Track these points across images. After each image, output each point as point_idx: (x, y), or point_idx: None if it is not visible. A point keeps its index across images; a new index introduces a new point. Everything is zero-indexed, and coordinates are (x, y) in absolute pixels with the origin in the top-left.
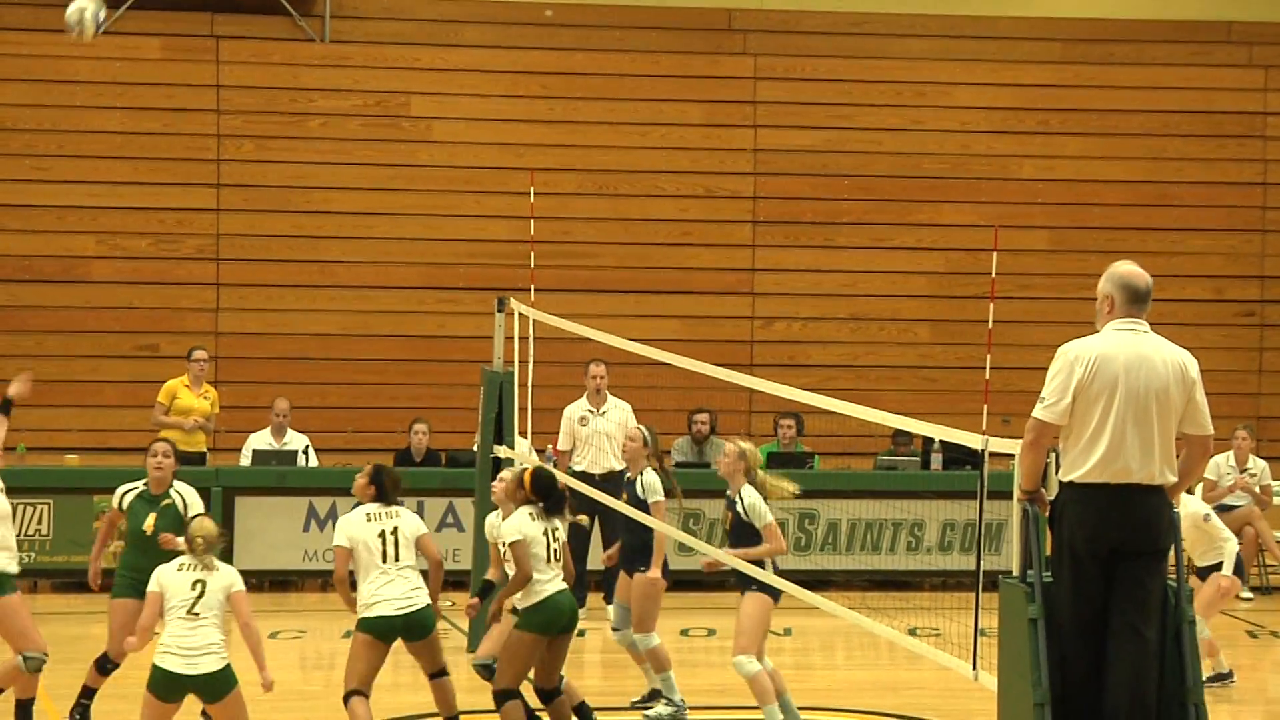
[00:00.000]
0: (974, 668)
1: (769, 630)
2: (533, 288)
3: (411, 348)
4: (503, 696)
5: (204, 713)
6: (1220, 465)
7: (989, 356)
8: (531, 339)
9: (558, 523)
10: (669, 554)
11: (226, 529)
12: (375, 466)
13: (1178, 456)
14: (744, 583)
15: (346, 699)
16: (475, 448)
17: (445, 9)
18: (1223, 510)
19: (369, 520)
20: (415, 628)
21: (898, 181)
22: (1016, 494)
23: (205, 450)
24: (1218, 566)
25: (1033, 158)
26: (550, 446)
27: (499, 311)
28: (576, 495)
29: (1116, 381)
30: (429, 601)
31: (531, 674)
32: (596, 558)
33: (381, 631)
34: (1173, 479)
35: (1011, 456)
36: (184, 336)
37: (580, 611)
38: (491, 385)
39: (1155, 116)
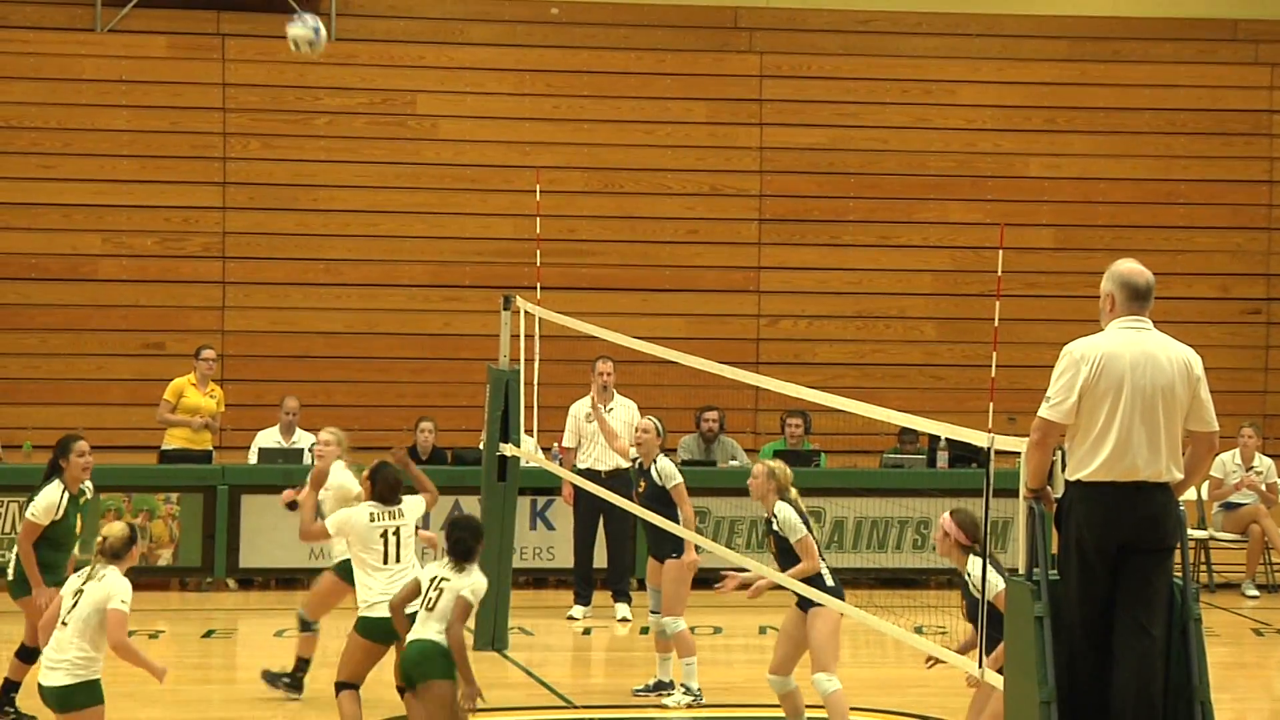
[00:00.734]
0: (980, 665)
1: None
2: (539, 286)
3: (417, 346)
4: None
5: None
6: (1226, 463)
7: (995, 354)
8: (537, 337)
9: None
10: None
11: (232, 528)
12: (375, 464)
13: (1183, 453)
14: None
15: (337, 690)
16: (481, 446)
17: (451, 7)
18: (1229, 508)
19: (371, 520)
20: None
21: (904, 179)
22: (1022, 492)
23: (211, 448)
24: None
25: (1039, 156)
26: (556, 444)
27: (505, 309)
28: (583, 493)
29: (1123, 380)
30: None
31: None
32: (602, 557)
33: (378, 634)
34: (1179, 476)
35: (1017, 454)
36: (190, 335)
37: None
38: (497, 383)
39: (1161, 114)
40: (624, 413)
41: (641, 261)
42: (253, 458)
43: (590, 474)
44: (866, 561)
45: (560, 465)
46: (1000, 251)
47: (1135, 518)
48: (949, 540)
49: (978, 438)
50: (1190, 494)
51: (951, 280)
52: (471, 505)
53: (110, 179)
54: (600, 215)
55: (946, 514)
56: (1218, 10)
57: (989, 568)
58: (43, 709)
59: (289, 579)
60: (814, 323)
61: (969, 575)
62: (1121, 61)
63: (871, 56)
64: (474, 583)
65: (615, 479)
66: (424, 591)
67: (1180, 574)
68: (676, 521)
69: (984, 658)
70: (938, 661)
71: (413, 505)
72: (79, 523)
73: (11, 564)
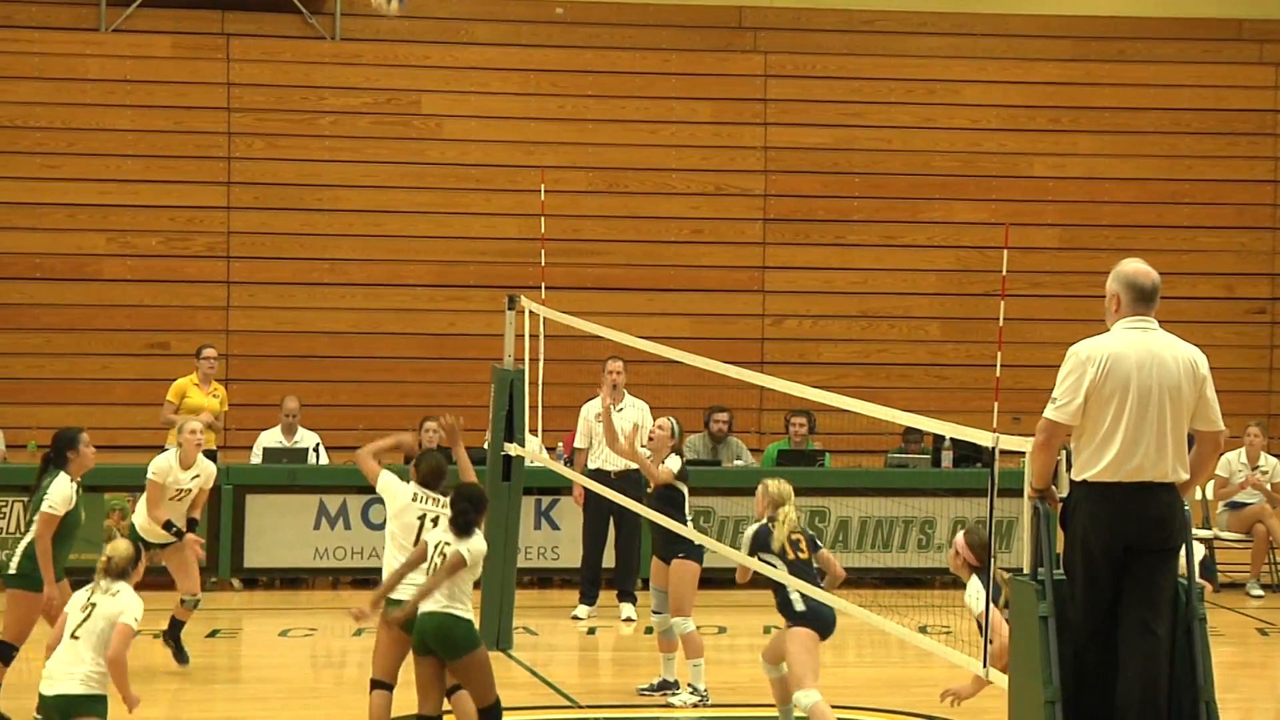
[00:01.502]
0: (985, 665)
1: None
2: (543, 285)
3: (422, 345)
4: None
5: None
6: (1232, 462)
7: (1000, 354)
8: (542, 337)
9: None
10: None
11: (236, 528)
12: (421, 450)
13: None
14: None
15: (371, 687)
16: (486, 446)
17: (456, 7)
18: (1234, 507)
19: (413, 500)
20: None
21: (908, 179)
22: (1027, 492)
23: (215, 448)
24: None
25: (1043, 155)
26: (561, 444)
27: (509, 309)
28: (594, 494)
29: (1128, 380)
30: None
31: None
32: (610, 557)
33: (405, 623)
34: (1185, 476)
35: (1022, 454)
36: (194, 334)
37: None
38: (502, 383)
39: (1166, 114)
40: (634, 413)
41: (646, 261)
42: (256, 457)
43: (600, 475)
44: (871, 561)
45: (571, 466)
46: (1005, 251)
47: (1142, 518)
48: (959, 559)
49: (982, 437)
50: (1195, 493)
51: (956, 280)
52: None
53: (115, 179)
54: (605, 215)
55: (960, 533)
56: (1222, 10)
57: (978, 582)
58: (19, 711)
59: (293, 579)
60: (819, 322)
61: (967, 596)
62: (1126, 61)
63: (876, 56)
64: (473, 544)
65: (625, 480)
66: (429, 558)
67: (1185, 574)
68: (684, 522)
69: (987, 656)
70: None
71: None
72: (82, 514)
73: (16, 559)
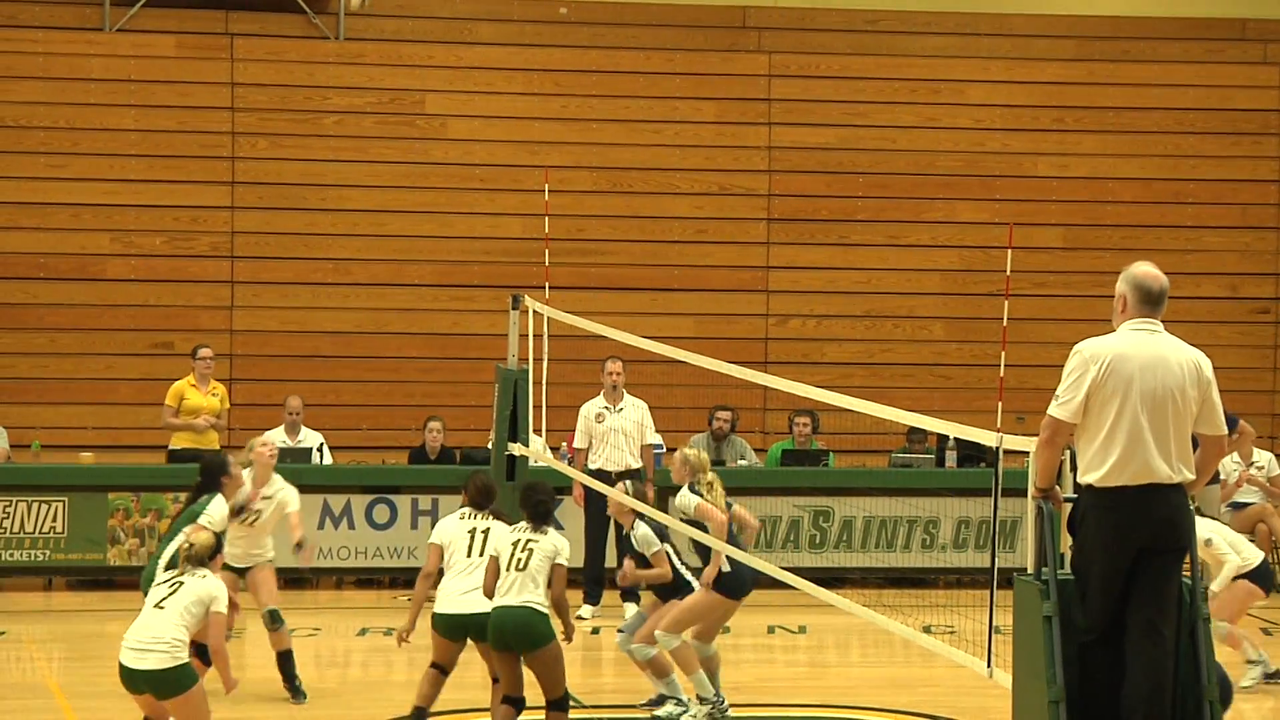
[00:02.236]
0: (989, 665)
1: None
2: (547, 285)
3: (426, 345)
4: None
5: None
6: (1226, 462)
7: (1003, 354)
8: (546, 336)
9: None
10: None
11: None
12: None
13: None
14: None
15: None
16: (490, 445)
17: (460, 7)
18: (1235, 507)
19: (461, 519)
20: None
21: (912, 179)
22: (1031, 491)
23: (219, 448)
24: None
25: (1047, 155)
26: (565, 444)
27: (514, 309)
28: (594, 494)
29: (1131, 381)
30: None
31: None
32: (613, 557)
33: (445, 629)
34: (1191, 476)
35: (1026, 454)
36: (198, 334)
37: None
38: (506, 383)
39: (1170, 114)
40: (634, 412)
41: (650, 261)
42: None
43: (601, 475)
44: (875, 561)
45: (571, 466)
46: (1009, 251)
47: (1153, 521)
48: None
49: (986, 437)
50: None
51: (960, 280)
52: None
53: (119, 178)
54: (609, 215)
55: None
56: (1226, 10)
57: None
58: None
59: (296, 579)
60: (822, 322)
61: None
62: (1130, 61)
63: (880, 56)
64: (560, 546)
65: (626, 479)
66: (512, 553)
67: (1189, 573)
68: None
69: (991, 656)
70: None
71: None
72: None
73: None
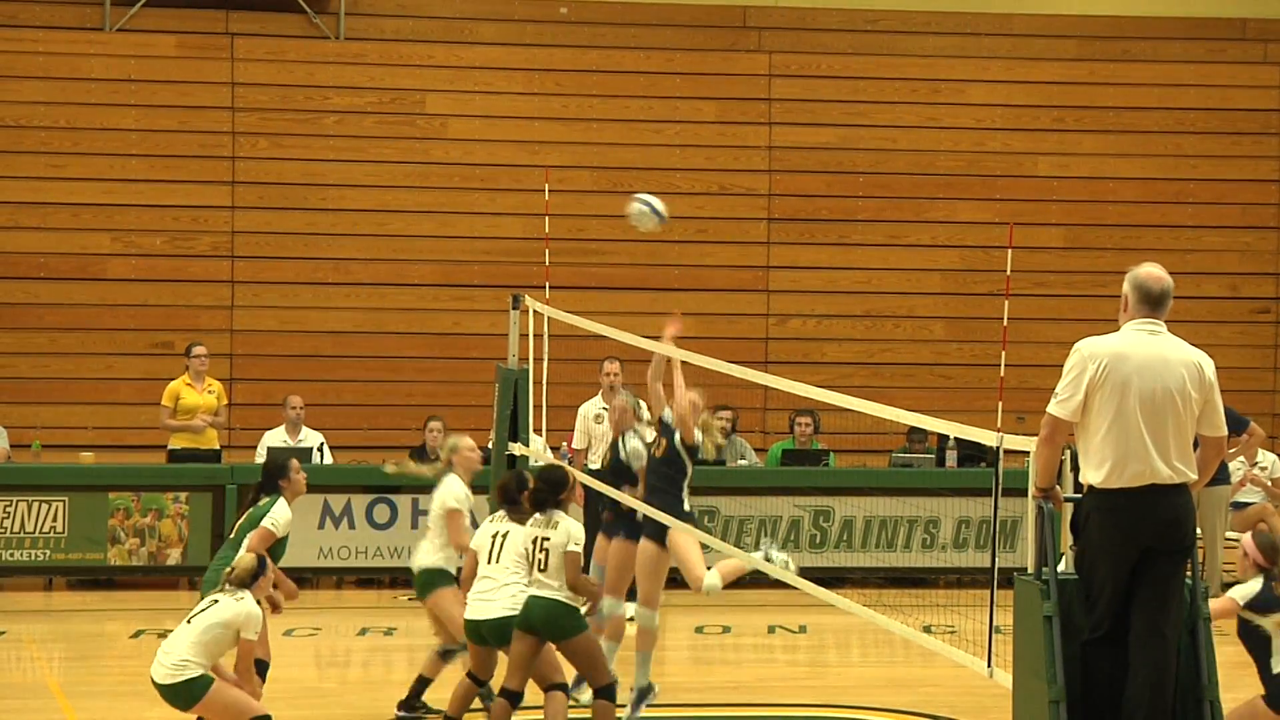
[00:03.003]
0: (989, 665)
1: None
2: (547, 285)
3: (426, 345)
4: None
5: None
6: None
7: (1004, 354)
8: (546, 336)
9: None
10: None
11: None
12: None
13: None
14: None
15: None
16: (490, 445)
17: (460, 6)
18: (1237, 507)
19: (490, 522)
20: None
21: (913, 179)
22: (1031, 491)
23: (219, 447)
24: None
25: (1048, 155)
26: (565, 444)
27: (514, 309)
28: (594, 494)
29: (1129, 381)
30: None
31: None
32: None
33: (474, 636)
34: (1193, 476)
35: (1026, 454)
36: (199, 334)
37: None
38: (506, 382)
39: (1170, 114)
40: None
41: (650, 261)
42: (260, 457)
43: (600, 475)
44: (875, 561)
45: (570, 465)
46: (1009, 251)
47: (1157, 522)
48: (1247, 560)
49: (986, 437)
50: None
51: (960, 279)
52: (480, 505)
53: (119, 178)
54: (609, 214)
55: (1248, 534)
56: (1226, 9)
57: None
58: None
59: (297, 578)
60: (823, 322)
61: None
62: (1130, 61)
63: (880, 56)
64: (572, 533)
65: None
66: (530, 555)
67: (1190, 573)
68: (679, 501)
69: (991, 656)
70: None
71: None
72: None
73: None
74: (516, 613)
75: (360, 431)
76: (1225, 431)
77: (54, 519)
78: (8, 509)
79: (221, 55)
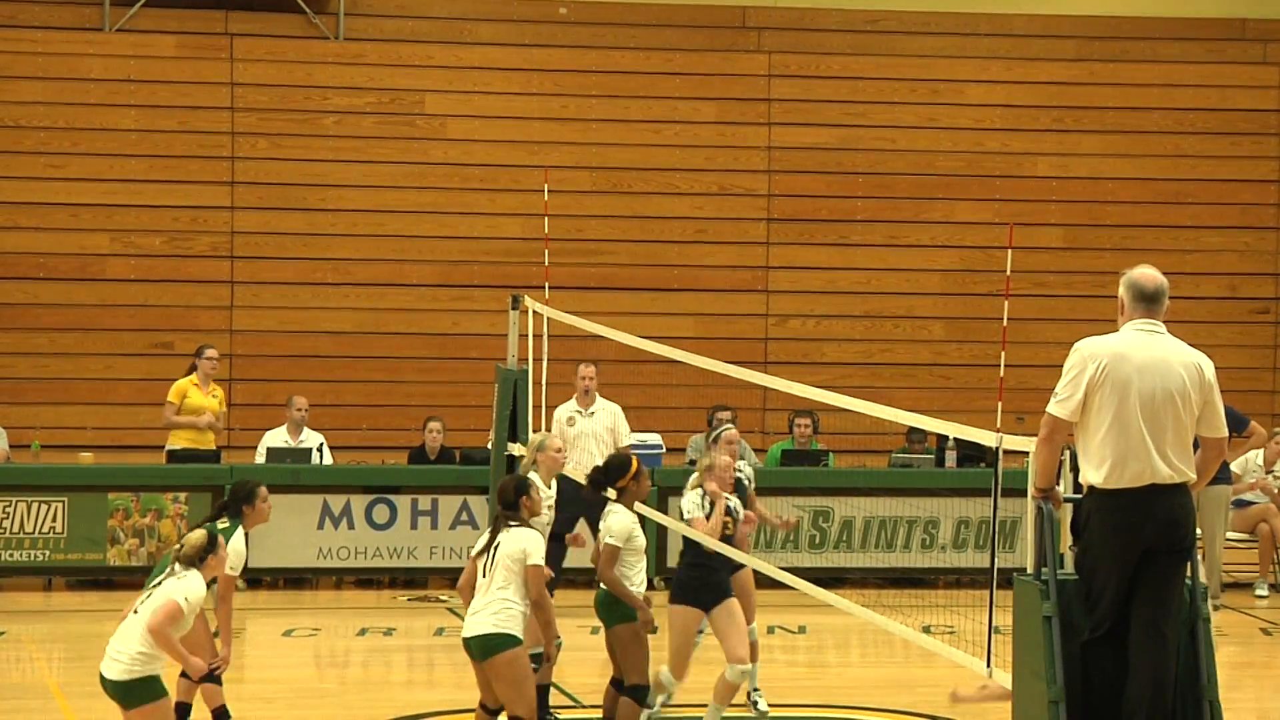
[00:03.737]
0: (989, 665)
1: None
2: (547, 285)
3: (425, 345)
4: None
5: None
6: (1249, 461)
7: (1003, 354)
8: (545, 336)
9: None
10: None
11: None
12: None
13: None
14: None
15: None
16: (490, 445)
17: (459, 7)
18: (1239, 506)
19: (489, 533)
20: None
21: (912, 179)
22: (1031, 491)
23: (218, 448)
24: None
25: (1047, 155)
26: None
27: (513, 309)
28: (564, 499)
29: (1129, 381)
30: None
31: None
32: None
33: (470, 653)
34: (1193, 477)
35: (1026, 454)
36: (198, 334)
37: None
38: (506, 383)
39: (1170, 114)
40: (605, 417)
41: (649, 261)
42: (260, 457)
43: (570, 480)
44: (874, 561)
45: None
46: (1009, 251)
47: (1158, 522)
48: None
49: (986, 437)
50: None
51: (960, 280)
52: (480, 505)
53: (118, 178)
54: (608, 215)
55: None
56: (1226, 10)
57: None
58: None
59: (297, 579)
60: (822, 322)
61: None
62: (1130, 61)
63: (880, 56)
64: (611, 525)
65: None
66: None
67: (1190, 574)
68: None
69: (991, 656)
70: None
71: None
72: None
73: None
74: (501, 631)
75: (360, 431)
76: (1225, 433)
77: (53, 519)
78: (7, 509)
79: (221, 55)
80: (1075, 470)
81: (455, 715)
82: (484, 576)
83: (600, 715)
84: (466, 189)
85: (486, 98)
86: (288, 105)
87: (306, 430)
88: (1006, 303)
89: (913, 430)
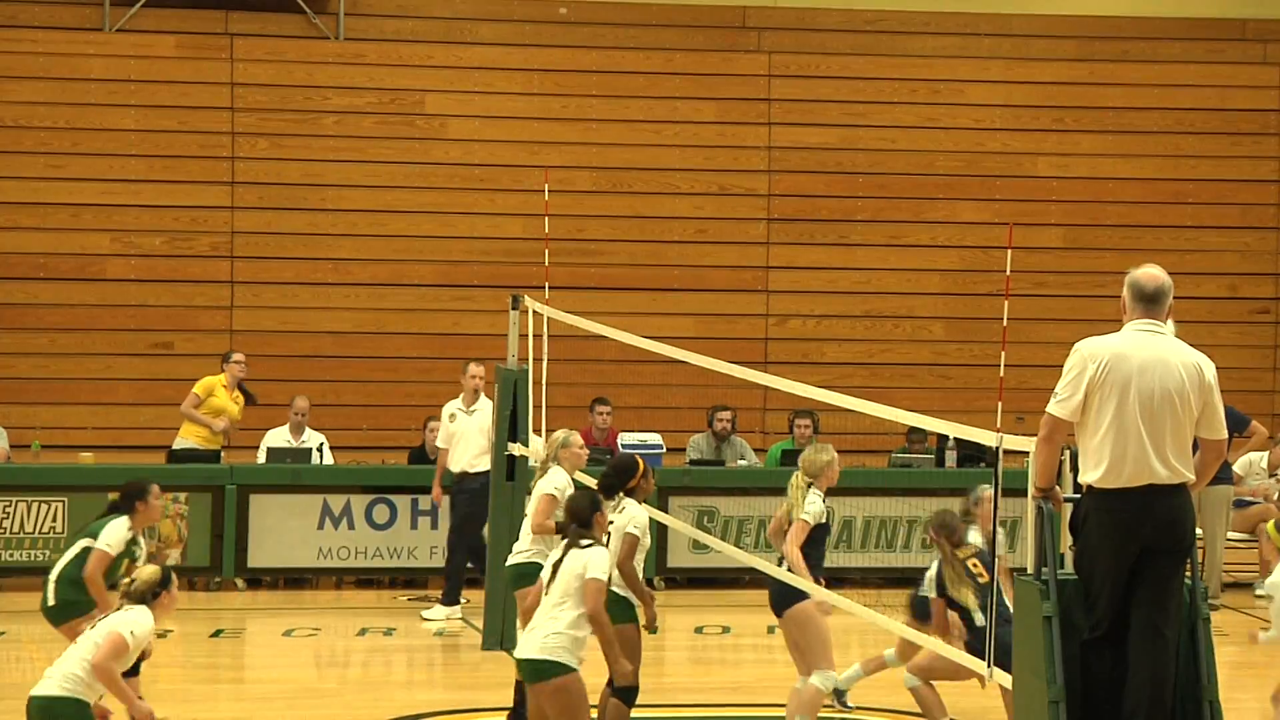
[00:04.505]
0: (989, 665)
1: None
2: (547, 285)
3: (426, 345)
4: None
5: None
6: (1253, 463)
7: (1003, 354)
8: (546, 336)
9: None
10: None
11: (240, 528)
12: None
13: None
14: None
15: None
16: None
17: (459, 6)
18: (1239, 506)
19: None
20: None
21: (912, 179)
22: (1031, 491)
23: (219, 448)
24: None
25: (1047, 155)
26: None
27: (513, 309)
28: (458, 494)
29: (1129, 381)
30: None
31: None
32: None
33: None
34: (1191, 477)
35: (1026, 454)
36: (198, 335)
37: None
38: (506, 383)
39: (1170, 114)
40: (486, 416)
41: (650, 261)
42: (261, 457)
43: (463, 476)
44: (875, 561)
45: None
46: (1009, 251)
47: (1156, 522)
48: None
49: (986, 437)
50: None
51: (960, 280)
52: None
53: (118, 178)
54: (609, 215)
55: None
56: (1226, 10)
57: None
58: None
59: (297, 579)
60: (822, 322)
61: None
62: (1130, 61)
63: (880, 56)
64: (634, 517)
65: (471, 480)
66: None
67: (1190, 574)
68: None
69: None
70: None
71: None
72: (123, 566)
73: (52, 591)
74: (549, 658)
75: (360, 432)
76: (1225, 434)
77: (54, 519)
78: (7, 509)
79: (221, 55)
80: (1075, 470)
81: (455, 715)
82: (545, 594)
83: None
84: (467, 189)
85: (487, 98)
86: (288, 105)
87: (307, 430)
88: (1006, 303)
89: (913, 430)
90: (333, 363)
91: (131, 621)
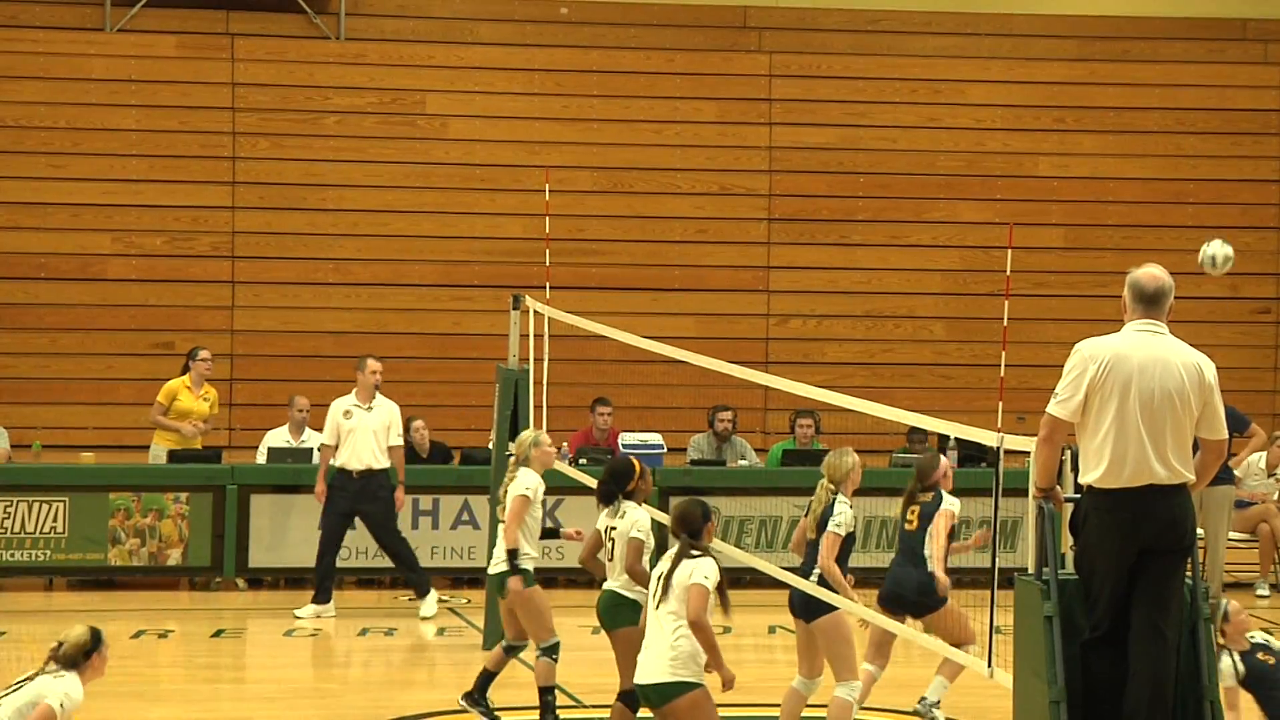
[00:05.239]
0: (989, 665)
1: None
2: (548, 285)
3: (426, 345)
4: None
5: None
6: (1252, 464)
7: (1004, 354)
8: (546, 336)
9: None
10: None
11: (241, 527)
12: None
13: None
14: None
15: None
16: (490, 445)
17: (460, 6)
18: (1239, 506)
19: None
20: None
21: (913, 179)
22: (1032, 491)
23: (220, 447)
24: None
25: (1048, 155)
26: (565, 444)
27: (514, 309)
28: (336, 492)
29: (1129, 381)
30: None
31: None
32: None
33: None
34: (1191, 477)
35: (1026, 454)
36: (199, 334)
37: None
38: (506, 383)
39: (1171, 114)
40: (383, 414)
41: (650, 261)
42: (262, 457)
43: (343, 473)
44: (875, 561)
45: (570, 465)
46: (1009, 251)
47: (1155, 522)
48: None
49: (987, 437)
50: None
51: (961, 280)
52: (480, 505)
53: (119, 178)
54: (609, 215)
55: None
56: (1227, 9)
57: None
58: None
59: (298, 579)
60: (823, 322)
61: None
62: (1131, 61)
63: (881, 56)
64: (636, 520)
65: (366, 479)
66: (601, 543)
67: (1190, 573)
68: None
69: (992, 656)
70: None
71: None
72: None
73: None
74: (676, 679)
75: None
76: (1225, 435)
77: (54, 519)
78: (8, 509)
79: (222, 55)
80: (1076, 470)
81: (455, 715)
82: (655, 609)
83: (604, 715)
84: (467, 189)
85: (488, 98)
86: (289, 105)
87: (308, 430)
88: (1007, 303)
89: (914, 430)
90: (333, 363)
91: (62, 693)
